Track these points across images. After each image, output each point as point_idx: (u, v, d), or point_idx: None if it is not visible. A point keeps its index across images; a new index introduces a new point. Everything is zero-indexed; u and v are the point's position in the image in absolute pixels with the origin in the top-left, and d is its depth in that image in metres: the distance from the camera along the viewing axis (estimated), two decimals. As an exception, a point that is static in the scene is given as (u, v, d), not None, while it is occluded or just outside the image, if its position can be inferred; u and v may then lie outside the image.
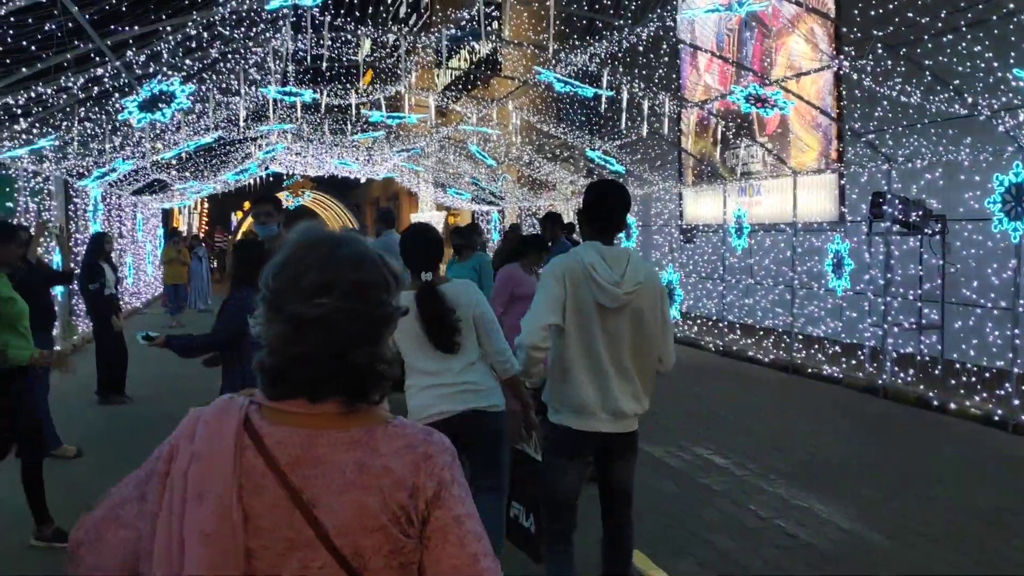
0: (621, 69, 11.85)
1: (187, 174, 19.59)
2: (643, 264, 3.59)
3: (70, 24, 6.38)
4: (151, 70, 8.18)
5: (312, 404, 1.36)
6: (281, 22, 8.98)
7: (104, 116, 9.22)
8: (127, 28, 6.84)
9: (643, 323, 3.55)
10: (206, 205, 50.14)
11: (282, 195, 48.18)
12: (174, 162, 17.58)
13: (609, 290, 3.45)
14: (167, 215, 31.68)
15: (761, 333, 13.74)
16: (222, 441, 1.34)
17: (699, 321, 15.32)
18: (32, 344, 5.08)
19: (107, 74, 7.72)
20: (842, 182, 12.42)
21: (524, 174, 21.17)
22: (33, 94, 7.36)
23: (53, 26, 6.22)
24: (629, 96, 11.55)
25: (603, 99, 11.16)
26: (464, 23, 9.90)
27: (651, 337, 3.58)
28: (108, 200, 17.30)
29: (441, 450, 1.41)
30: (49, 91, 7.47)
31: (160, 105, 9.06)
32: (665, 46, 14.70)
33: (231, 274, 5.05)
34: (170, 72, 8.16)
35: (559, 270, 3.52)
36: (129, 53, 7.61)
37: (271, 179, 28.51)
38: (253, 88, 11.94)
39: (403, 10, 37.67)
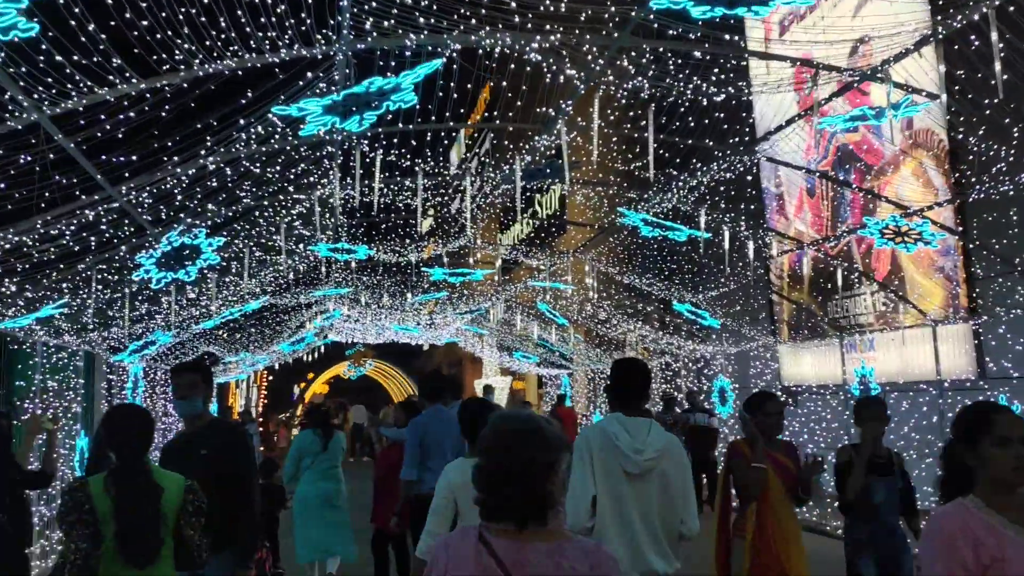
0: (723, 205, 10.23)
1: (236, 346, 18.30)
2: (662, 433, 3.87)
3: (52, 156, 5.06)
4: (162, 216, 6.85)
5: (516, 525, 2.24)
6: (327, 161, 7.64)
7: (114, 274, 7.84)
8: (123, 159, 5.47)
9: (668, 488, 3.78)
10: (268, 378, 49.12)
11: (344, 365, 47.17)
12: (223, 334, 16.32)
13: (631, 457, 3.72)
14: (221, 390, 30.34)
15: (906, 516, 11.19)
16: (468, 548, 2.26)
17: (823, 500, 12.80)
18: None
19: (104, 219, 6.34)
20: (1000, 330, 10.25)
21: (596, 332, 19.37)
22: (8, 245, 5.98)
23: (28, 158, 4.91)
24: (731, 238, 9.89)
25: (700, 242, 9.51)
26: (538, 157, 8.51)
27: (675, 500, 3.78)
28: (151, 376, 15.94)
29: (608, 558, 2.29)
30: (28, 241, 6.09)
31: (184, 262, 7.67)
32: (750, 190, 13.19)
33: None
34: (191, 220, 6.83)
35: (582, 444, 3.82)
36: (127, 190, 6.16)
37: (330, 348, 27.33)
38: (300, 246, 10.64)
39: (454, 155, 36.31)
